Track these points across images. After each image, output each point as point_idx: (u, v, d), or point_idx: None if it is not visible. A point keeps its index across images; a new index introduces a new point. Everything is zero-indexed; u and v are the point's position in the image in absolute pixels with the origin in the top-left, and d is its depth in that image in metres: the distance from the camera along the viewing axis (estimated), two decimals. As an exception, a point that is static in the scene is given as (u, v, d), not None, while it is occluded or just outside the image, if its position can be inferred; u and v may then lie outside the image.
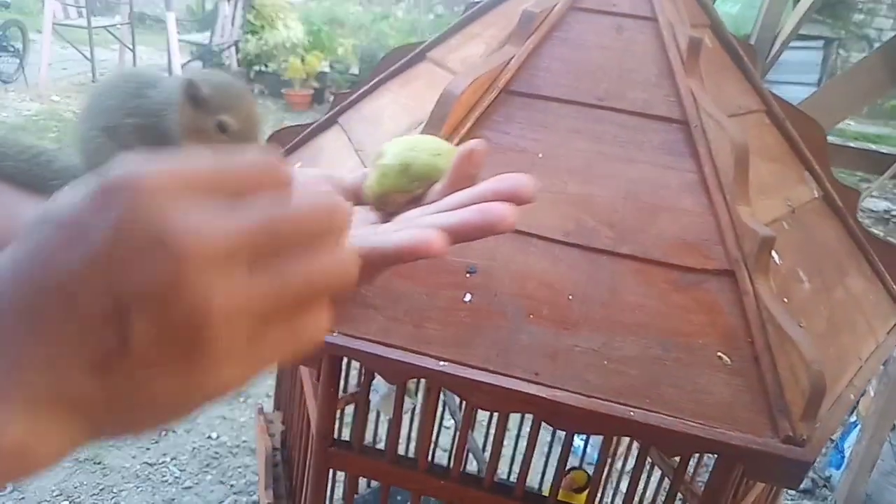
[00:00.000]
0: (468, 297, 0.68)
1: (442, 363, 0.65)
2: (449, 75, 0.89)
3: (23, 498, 1.88)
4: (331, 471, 0.82)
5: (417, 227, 0.31)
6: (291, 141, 0.91)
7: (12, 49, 5.97)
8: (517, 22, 0.81)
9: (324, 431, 0.76)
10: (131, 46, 6.70)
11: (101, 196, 0.21)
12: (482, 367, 0.65)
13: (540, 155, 0.75)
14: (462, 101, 0.74)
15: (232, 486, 2.05)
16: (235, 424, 2.32)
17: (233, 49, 6.68)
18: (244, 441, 2.24)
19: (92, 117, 0.39)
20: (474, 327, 0.67)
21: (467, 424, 0.88)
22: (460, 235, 0.30)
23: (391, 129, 0.81)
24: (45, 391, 0.22)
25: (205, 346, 0.22)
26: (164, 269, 0.21)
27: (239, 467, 2.13)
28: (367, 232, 0.34)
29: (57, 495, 1.91)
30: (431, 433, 0.77)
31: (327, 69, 6.89)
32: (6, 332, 0.22)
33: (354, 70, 6.94)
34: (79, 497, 1.92)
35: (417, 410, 1.42)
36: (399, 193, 0.36)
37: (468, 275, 0.69)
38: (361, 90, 0.89)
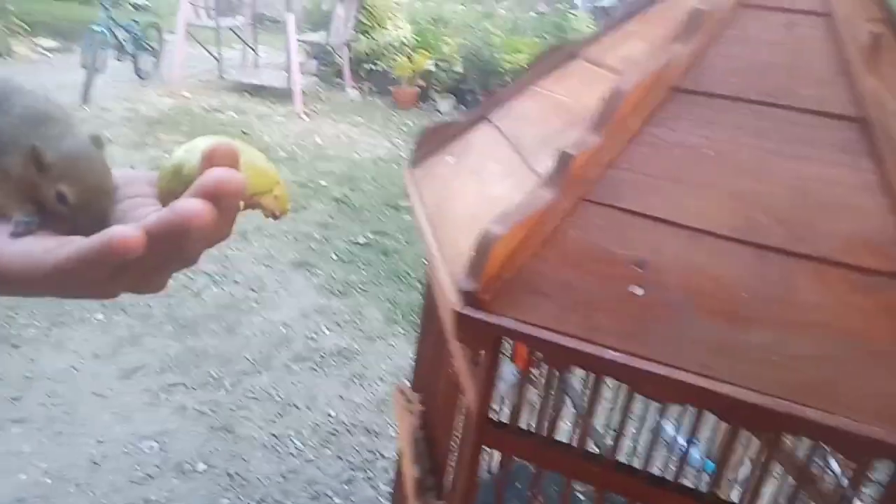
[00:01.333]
0: (637, 290, 0.70)
1: (611, 352, 0.68)
2: (607, 73, 0.91)
3: (167, 458, 2.07)
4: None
5: (122, 225, 0.32)
6: (443, 135, 0.96)
7: (150, 49, 6.49)
8: (685, 19, 0.81)
9: (482, 412, 0.81)
10: (253, 46, 7.11)
11: None
12: (652, 357, 0.67)
13: (709, 152, 0.76)
14: (630, 99, 0.76)
15: (350, 461, 2.16)
16: (352, 405, 2.44)
17: (345, 48, 6.94)
18: (360, 420, 2.36)
19: None
20: (643, 319, 0.69)
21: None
22: (158, 234, 0.32)
23: (545, 126, 0.84)
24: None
25: None
26: None
27: (356, 445, 2.24)
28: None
29: (195, 458, 2.09)
30: (591, 420, 0.79)
31: (432, 68, 7.01)
32: None
33: (458, 68, 7.02)
34: (214, 461, 2.09)
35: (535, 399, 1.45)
36: (174, 195, 0.35)
37: (637, 268, 0.71)
38: (511, 89, 0.92)
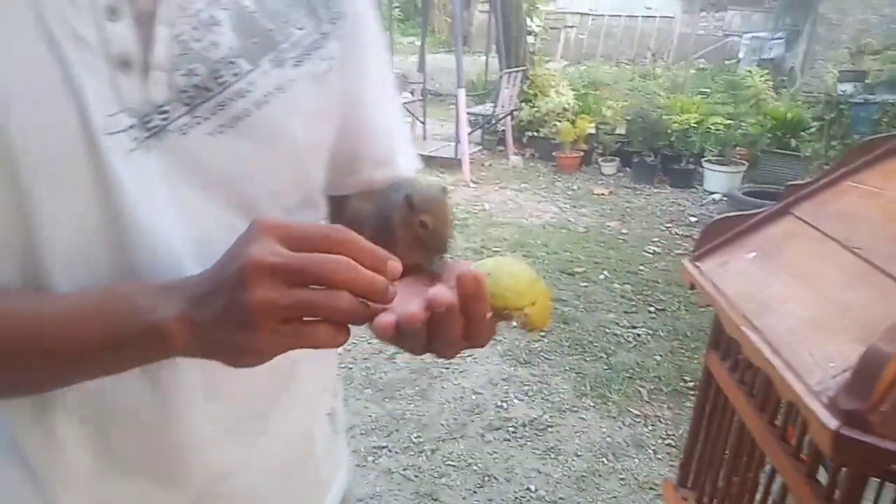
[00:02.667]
0: None
1: None
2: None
3: (380, 520, 2.16)
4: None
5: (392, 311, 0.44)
6: (731, 230, 0.95)
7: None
8: None
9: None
10: (423, 119, 7.61)
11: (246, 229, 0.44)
12: None
13: None
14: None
15: (555, 542, 2.11)
16: (551, 480, 2.40)
17: (508, 118, 7.20)
18: (560, 498, 2.31)
19: (375, 205, 0.57)
20: None
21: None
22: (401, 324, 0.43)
23: (891, 228, 0.79)
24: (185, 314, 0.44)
25: (247, 318, 0.41)
26: (235, 268, 0.42)
27: (558, 524, 2.19)
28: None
29: (406, 523, 2.16)
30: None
31: (593, 131, 7.03)
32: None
33: (621, 131, 6.98)
34: (423, 528, 2.14)
35: None
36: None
37: None
38: (817, 183, 0.90)
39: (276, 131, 0.54)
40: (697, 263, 0.94)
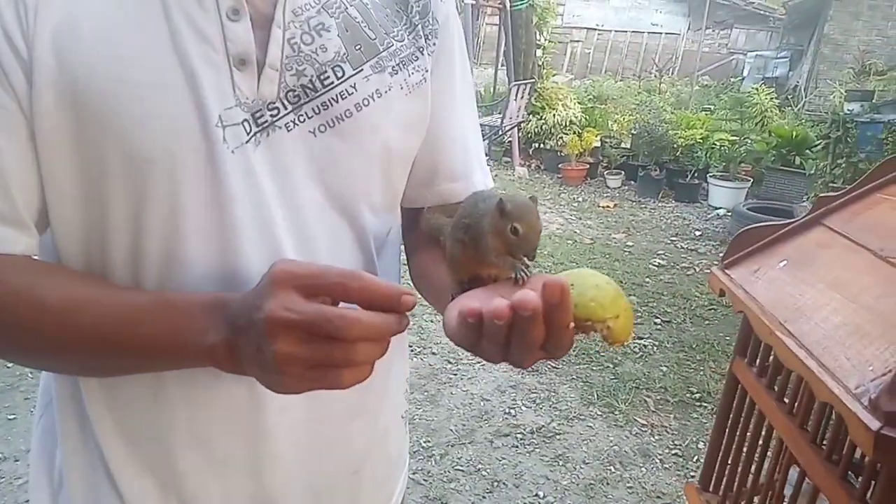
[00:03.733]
0: None
1: None
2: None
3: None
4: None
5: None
6: (761, 239, 0.98)
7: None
8: None
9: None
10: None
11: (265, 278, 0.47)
12: None
13: None
14: None
15: (564, 549, 2.13)
16: (559, 487, 2.42)
17: (515, 129, 7.25)
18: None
19: (458, 215, 0.55)
20: None
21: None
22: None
23: (892, 230, 0.83)
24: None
25: (273, 366, 0.44)
26: (259, 319, 0.45)
27: (568, 531, 2.21)
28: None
29: (416, 527, 2.18)
30: None
31: (599, 144, 7.09)
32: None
33: (626, 145, 7.03)
34: (433, 532, 2.16)
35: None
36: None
37: None
38: (849, 196, 0.93)
39: (373, 133, 0.57)
40: (727, 271, 0.97)
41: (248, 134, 0.51)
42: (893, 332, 0.66)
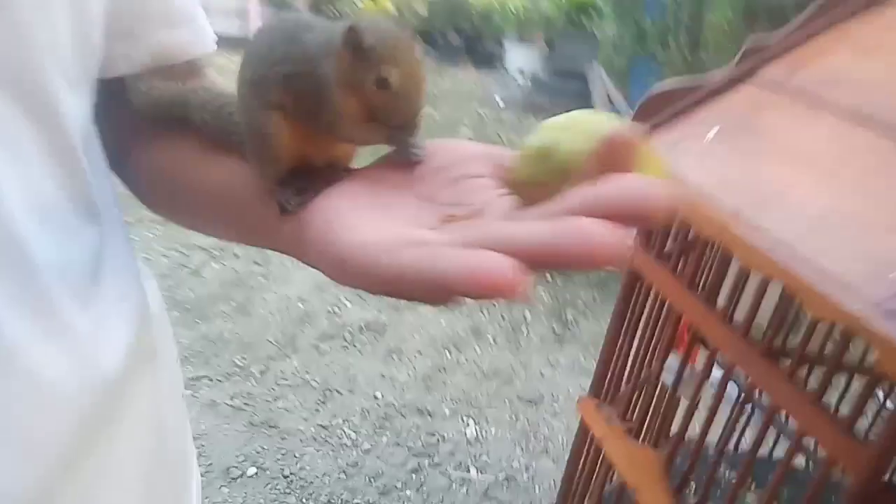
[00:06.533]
0: None
1: None
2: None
3: (210, 464, 1.87)
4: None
5: (482, 245, 0.23)
6: (674, 104, 0.76)
7: None
8: None
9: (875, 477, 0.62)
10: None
11: None
12: None
13: None
14: None
15: (410, 447, 2.01)
16: (397, 384, 2.27)
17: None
18: (409, 400, 2.20)
19: (241, 70, 0.34)
20: None
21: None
22: (538, 262, 0.22)
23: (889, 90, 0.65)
24: None
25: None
26: None
27: (412, 428, 2.08)
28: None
29: (242, 461, 1.90)
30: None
31: (395, 11, 6.65)
32: None
33: (423, 12, 6.68)
34: (263, 462, 1.90)
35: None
36: (537, 186, 0.27)
37: None
38: (788, 40, 0.72)
39: None
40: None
41: None
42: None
